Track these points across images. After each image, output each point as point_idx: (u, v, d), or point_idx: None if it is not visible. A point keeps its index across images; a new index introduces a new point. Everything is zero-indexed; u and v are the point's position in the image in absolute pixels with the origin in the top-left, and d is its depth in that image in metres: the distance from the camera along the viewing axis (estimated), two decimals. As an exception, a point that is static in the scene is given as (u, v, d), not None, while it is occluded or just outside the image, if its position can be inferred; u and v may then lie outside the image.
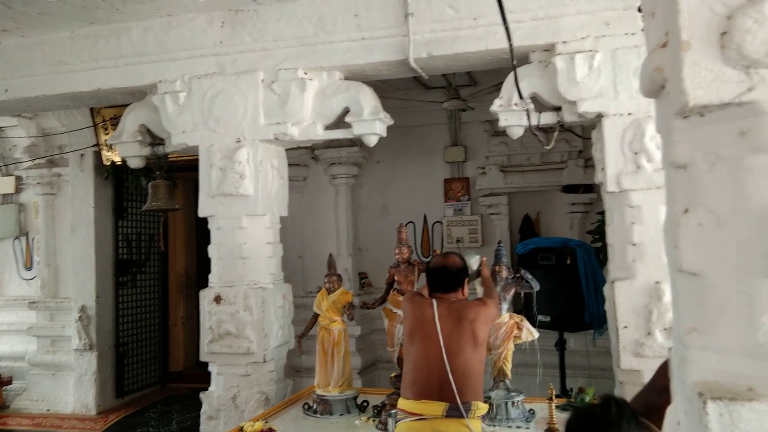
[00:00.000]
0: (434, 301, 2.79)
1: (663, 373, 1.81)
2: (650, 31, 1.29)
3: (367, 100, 4.02)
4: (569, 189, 6.05)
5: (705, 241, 1.12)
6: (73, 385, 6.88)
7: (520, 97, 3.25)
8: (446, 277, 2.87)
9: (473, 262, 3.16)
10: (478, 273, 3.14)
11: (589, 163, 6.04)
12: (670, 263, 1.26)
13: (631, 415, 1.73)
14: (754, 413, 1.04)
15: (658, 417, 1.85)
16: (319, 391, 3.66)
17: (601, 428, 1.72)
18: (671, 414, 1.29)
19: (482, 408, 2.69)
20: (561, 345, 4.66)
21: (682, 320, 1.19)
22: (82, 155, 6.78)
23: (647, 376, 3.41)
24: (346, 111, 4.08)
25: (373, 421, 3.43)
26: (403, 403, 2.71)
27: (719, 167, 1.10)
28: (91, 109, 6.50)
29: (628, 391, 3.52)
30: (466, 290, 2.92)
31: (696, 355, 1.14)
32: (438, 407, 2.60)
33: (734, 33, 1.03)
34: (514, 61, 2.67)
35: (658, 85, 1.20)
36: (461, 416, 2.56)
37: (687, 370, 1.15)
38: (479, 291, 3.18)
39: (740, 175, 1.07)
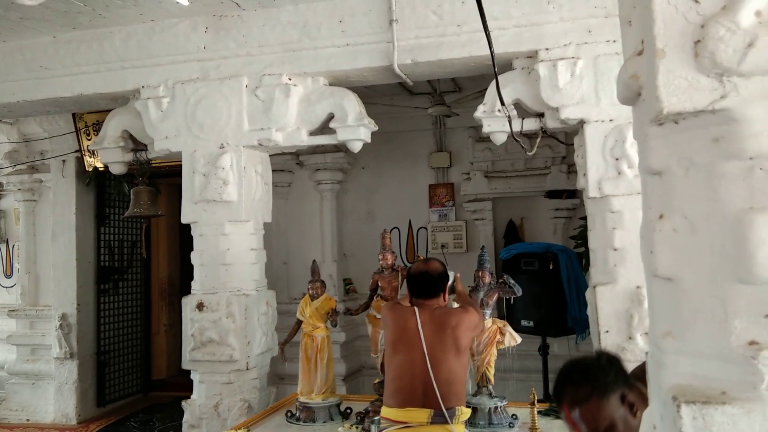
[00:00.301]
0: (416, 309, 2.80)
1: None
2: (627, 39, 1.31)
3: (352, 106, 4.03)
4: (553, 194, 6.09)
5: (679, 246, 1.14)
6: (53, 394, 6.77)
7: (502, 103, 3.27)
8: (427, 283, 2.87)
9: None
10: (453, 289, 3.12)
11: (572, 169, 6.08)
12: (645, 268, 1.28)
13: (620, 370, 1.77)
14: (726, 416, 1.06)
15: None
16: (302, 399, 3.65)
17: (589, 375, 1.76)
18: (647, 418, 1.30)
19: (466, 413, 2.70)
20: (544, 350, 4.68)
21: (657, 324, 1.20)
22: (63, 161, 6.71)
23: (629, 381, 3.46)
24: (331, 117, 4.08)
25: (357, 428, 3.42)
26: (386, 411, 2.71)
27: (693, 173, 1.11)
28: (74, 115, 6.44)
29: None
30: (447, 297, 2.92)
31: (671, 359, 1.15)
32: (423, 414, 2.61)
33: (708, 41, 1.05)
34: (495, 68, 2.68)
35: (635, 92, 1.22)
36: (446, 422, 2.57)
37: (662, 374, 1.16)
38: (454, 306, 3.18)
39: (713, 181, 1.08)
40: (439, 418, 2.58)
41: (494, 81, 3.75)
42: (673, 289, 1.15)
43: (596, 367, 1.77)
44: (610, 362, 1.78)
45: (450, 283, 3.08)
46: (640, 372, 1.77)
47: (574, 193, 6.09)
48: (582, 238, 5.38)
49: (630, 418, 1.70)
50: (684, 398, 1.06)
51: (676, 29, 1.08)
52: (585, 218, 5.47)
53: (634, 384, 1.76)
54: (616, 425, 1.69)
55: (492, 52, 2.46)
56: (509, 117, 3.43)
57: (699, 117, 1.08)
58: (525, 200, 6.40)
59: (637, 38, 1.21)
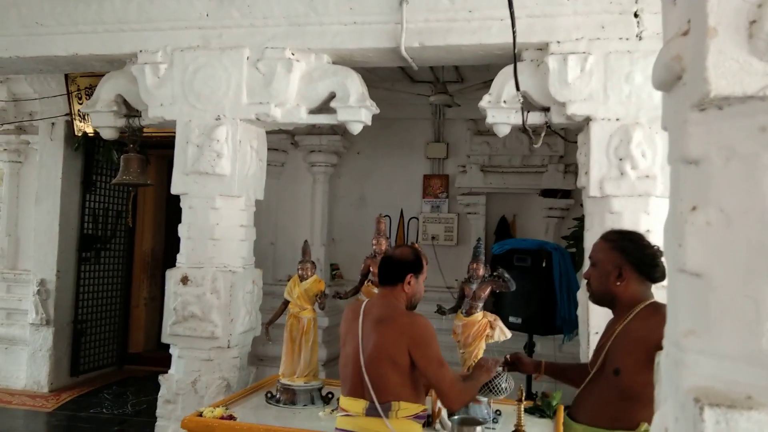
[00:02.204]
0: (365, 302, 2.76)
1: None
2: (670, 18, 1.23)
3: (355, 86, 3.93)
4: (547, 193, 6.05)
5: (712, 240, 1.07)
6: (26, 360, 6.65)
7: (517, 88, 3.19)
8: (386, 267, 2.72)
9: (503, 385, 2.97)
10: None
11: (569, 169, 6.05)
12: (670, 263, 1.21)
13: (649, 264, 2.15)
14: (752, 422, 0.99)
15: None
16: (283, 380, 3.57)
17: (630, 237, 2.32)
18: (658, 420, 1.24)
19: (406, 408, 2.56)
20: (530, 348, 4.64)
21: (679, 322, 1.14)
22: (53, 124, 6.56)
23: (616, 384, 3.42)
24: (332, 96, 3.99)
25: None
26: (340, 398, 2.76)
27: (734, 164, 1.04)
28: (66, 77, 6.29)
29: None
30: (413, 286, 2.72)
31: (692, 359, 1.09)
32: (359, 405, 2.60)
33: (764, 22, 0.97)
34: (515, 54, 2.61)
35: (675, 75, 1.15)
36: (379, 415, 2.52)
37: (682, 375, 1.10)
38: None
39: (757, 172, 1.01)
40: (373, 411, 2.54)
41: (503, 71, 3.74)
42: (701, 285, 1.08)
43: (637, 240, 2.23)
44: (652, 252, 2.19)
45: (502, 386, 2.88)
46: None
47: (569, 194, 6.05)
48: (575, 238, 5.35)
49: (612, 278, 2.20)
50: (707, 401, 1.00)
51: (730, 7, 1.01)
52: (578, 219, 5.45)
53: (640, 277, 2.18)
54: (602, 268, 2.24)
55: (514, 34, 2.39)
56: (523, 104, 3.36)
57: (746, 103, 1.01)
58: (519, 197, 6.35)
59: (683, 17, 1.13)
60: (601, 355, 2.16)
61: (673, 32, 1.18)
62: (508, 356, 2.71)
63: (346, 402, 2.67)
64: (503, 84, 3.70)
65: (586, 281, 2.29)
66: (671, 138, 1.25)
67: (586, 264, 3.61)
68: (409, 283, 2.69)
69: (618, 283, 2.17)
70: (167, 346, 4.20)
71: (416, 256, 2.77)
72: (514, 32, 2.46)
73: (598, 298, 2.30)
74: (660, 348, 1.28)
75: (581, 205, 4.23)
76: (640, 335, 1.96)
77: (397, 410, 2.54)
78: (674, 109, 1.21)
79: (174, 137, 4.15)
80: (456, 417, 2.83)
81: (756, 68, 0.99)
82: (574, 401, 2.25)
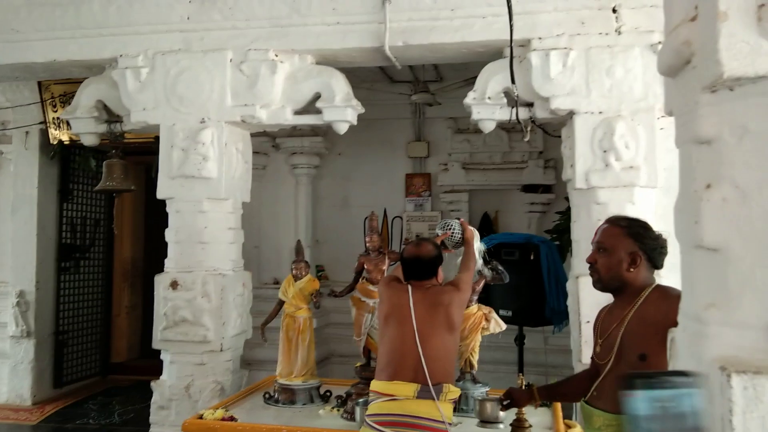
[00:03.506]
0: (409, 287, 2.80)
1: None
2: (673, 6, 1.28)
3: (340, 86, 3.95)
4: (529, 188, 6.14)
5: (729, 215, 1.12)
6: (7, 373, 6.48)
7: (513, 81, 3.25)
8: (420, 267, 2.87)
9: (456, 229, 3.12)
10: (462, 240, 3.10)
11: (549, 164, 6.15)
12: (684, 240, 1.26)
13: (656, 250, 2.21)
14: (776, 387, 1.05)
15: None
16: (281, 380, 3.57)
17: (639, 223, 2.26)
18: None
19: (454, 391, 2.70)
20: (521, 340, 4.70)
21: (699, 297, 1.19)
22: (27, 132, 6.42)
23: (607, 371, 3.49)
24: (317, 97, 4.00)
25: (338, 410, 3.37)
26: (375, 384, 2.73)
27: (747, 141, 1.10)
28: (39, 85, 6.17)
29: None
30: (441, 276, 2.92)
31: (714, 330, 1.14)
32: (410, 388, 2.62)
33: (774, 5, 1.03)
34: (512, 48, 2.67)
35: (684, 59, 1.20)
36: (432, 398, 2.57)
37: (704, 346, 1.15)
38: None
39: (769, 149, 1.07)
40: (425, 393, 2.60)
41: (486, 68, 3.80)
42: (719, 259, 1.13)
43: (648, 228, 2.23)
44: (662, 240, 2.20)
45: (460, 235, 3.07)
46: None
47: (550, 188, 6.15)
48: (558, 232, 5.43)
49: (625, 265, 2.16)
50: (734, 368, 1.05)
51: (740, -8, 1.06)
52: (561, 212, 5.53)
53: (648, 265, 2.18)
54: (614, 254, 2.18)
55: (511, 27, 2.44)
56: (517, 98, 3.42)
57: (758, 83, 1.07)
58: (501, 193, 6.43)
59: (690, 4, 1.18)
60: (616, 344, 2.14)
61: (680, 18, 1.23)
62: (502, 397, 2.70)
63: (389, 386, 2.66)
64: (487, 80, 3.76)
65: (589, 267, 2.28)
66: (679, 121, 1.30)
67: (577, 255, 3.71)
68: (439, 273, 2.91)
69: (630, 270, 2.15)
70: (151, 355, 4.16)
71: (439, 250, 2.94)
72: (511, 26, 2.51)
73: (605, 284, 2.25)
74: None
75: (566, 198, 4.31)
76: (657, 319, 1.97)
77: (447, 392, 2.63)
78: (682, 93, 1.26)
79: (152, 143, 4.13)
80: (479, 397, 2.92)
81: (766, 49, 1.05)
82: (592, 392, 2.23)
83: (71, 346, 6.93)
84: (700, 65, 1.14)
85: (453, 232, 3.11)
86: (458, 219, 3.19)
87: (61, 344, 6.76)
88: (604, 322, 2.30)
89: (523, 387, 2.89)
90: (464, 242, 3.08)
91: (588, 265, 2.28)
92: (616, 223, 2.26)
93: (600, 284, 2.27)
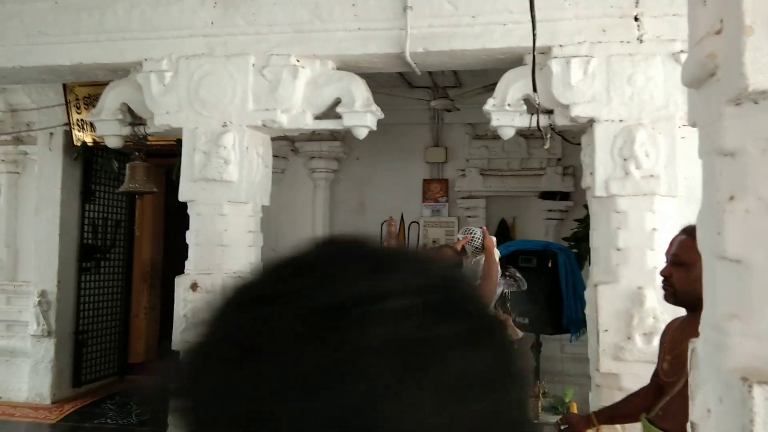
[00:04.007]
0: None
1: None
2: (698, 18, 1.29)
3: (360, 91, 3.98)
4: (547, 196, 6.13)
5: (751, 227, 1.12)
6: (28, 372, 6.60)
7: (534, 89, 3.26)
8: None
9: (477, 235, 3.15)
10: (483, 247, 3.12)
11: (567, 171, 6.13)
12: (707, 251, 1.26)
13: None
14: (797, 399, 1.05)
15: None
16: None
17: None
18: (699, 402, 1.29)
19: None
20: (537, 347, 4.69)
21: (720, 308, 1.19)
22: (51, 134, 6.54)
23: (625, 380, 3.47)
24: (337, 102, 4.03)
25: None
26: None
27: (771, 154, 1.11)
28: (64, 87, 6.28)
29: (605, 394, 3.56)
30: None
31: (736, 341, 1.14)
32: None
33: (799, 19, 1.03)
34: (534, 54, 2.68)
35: (708, 72, 1.20)
36: None
37: (725, 357, 1.15)
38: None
39: (794, 162, 1.07)
40: None
41: (506, 75, 3.80)
42: (741, 271, 1.13)
43: None
44: None
45: (480, 241, 3.09)
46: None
47: (568, 195, 6.13)
48: (576, 239, 5.42)
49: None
50: (755, 379, 1.05)
51: (765, 6, 1.07)
52: (579, 220, 5.52)
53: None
54: (692, 268, 1.94)
55: (534, 35, 2.45)
56: (538, 106, 3.42)
57: (782, 97, 1.07)
58: (518, 200, 6.42)
59: (715, 17, 1.19)
60: (689, 362, 2.04)
61: (705, 31, 1.24)
62: (559, 420, 2.61)
63: None
64: (507, 87, 3.77)
65: (663, 280, 2.14)
66: (702, 132, 1.31)
67: (596, 264, 3.69)
68: None
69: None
70: (168, 356, 4.19)
71: (459, 257, 3.00)
72: (534, 35, 2.51)
73: (680, 299, 2.12)
74: None
75: (584, 206, 4.30)
76: None
77: None
78: (706, 104, 1.26)
79: (173, 146, 4.18)
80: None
81: (792, 63, 1.05)
82: (657, 411, 2.13)
83: (90, 345, 7.03)
84: (725, 78, 1.15)
85: (473, 236, 3.14)
86: (481, 227, 3.21)
87: (80, 344, 6.86)
88: (674, 337, 2.17)
89: (540, 394, 2.90)
90: (483, 249, 3.09)
91: (662, 278, 2.16)
92: (695, 235, 2.16)
93: (673, 299, 2.15)
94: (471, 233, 3.07)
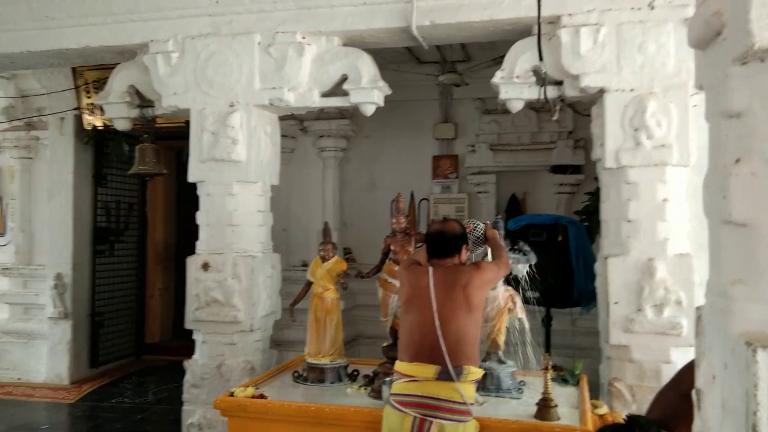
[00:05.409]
0: (430, 269, 2.81)
1: (689, 376, 1.76)
2: (705, -23, 1.25)
3: (366, 67, 3.95)
4: (558, 169, 6.07)
5: (757, 190, 1.10)
6: (45, 354, 6.73)
7: (540, 59, 3.21)
8: (443, 243, 2.88)
9: (480, 226, 3.15)
10: (485, 238, 3.13)
11: (578, 144, 6.07)
12: (712, 215, 1.24)
13: None
14: (803, 362, 1.03)
15: (682, 422, 1.88)
16: (310, 360, 3.63)
17: None
18: (704, 369, 1.28)
19: (475, 372, 2.69)
20: (548, 321, 4.69)
21: (726, 273, 1.17)
22: (62, 118, 6.58)
23: (635, 352, 3.47)
24: (344, 79, 4.00)
25: (365, 389, 3.41)
26: (398, 365, 2.76)
27: (778, 114, 1.08)
28: (74, 71, 6.30)
29: (615, 366, 3.56)
30: (464, 256, 2.92)
31: (741, 306, 1.12)
32: (429, 370, 2.64)
33: (807, -27, 1.00)
34: (540, 21, 2.62)
35: (714, 31, 1.17)
36: (452, 380, 2.58)
37: (730, 322, 1.14)
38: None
39: (801, 121, 1.05)
40: (445, 375, 2.61)
41: (514, 46, 3.74)
42: (747, 235, 1.11)
43: None
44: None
45: (481, 232, 3.09)
46: (663, 411, 1.80)
47: (580, 169, 6.07)
48: (587, 213, 5.37)
49: None
50: (760, 343, 1.04)
51: (771, -38, 1.04)
52: (590, 193, 5.47)
53: None
54: None
55: (539, 6, 2.40)
56: (545, 76, 3.38)
57: (789, 55, 1.04)
58: (529, 174, 6.38)
59: (721, -25, 1.16)
60: None
61: (710, -10, 1.21)
62: None
63: (411, 368, 2.69)
64: (515, 59, 3.71)
65: None
66: (709, 95, 1.28)
67: (606, 236, 3.66)
68: (462, 252, 2.89)
69: None
70: (184, 336, 4.25)
71: (464, 228, 2.97)
72: (539, 2, 2.46)
73: None
74: None
75: (595, 179, 4.26)
76: None
77: (467, 374, 2.64)
78: (712, 65, 1.24)
79: (182, 127, 4.19)
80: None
81: (799, 19, 1.02)
82: None
83: (107, 327, 7.13)
84: (731, 37, 1.12)
85: (476, 227, 3.14)
86: (485, 222, 3.21)
87: (97, 325, 6.97)
88: None
89: (549, 366, 2.90)
90: (486, 240, 3.10)
91: None
92: None
93: None
94: (474, 224, 3.08)
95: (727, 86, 1.14)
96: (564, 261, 4.43)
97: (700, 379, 1.29)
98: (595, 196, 5.03)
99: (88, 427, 5.63)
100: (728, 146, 1.16)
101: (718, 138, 1.20)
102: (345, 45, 4.07)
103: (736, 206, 1.13)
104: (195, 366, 4.14)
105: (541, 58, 3.28)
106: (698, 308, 1.39)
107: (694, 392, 1.32)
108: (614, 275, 3.52)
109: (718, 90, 1.19)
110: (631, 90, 3.48)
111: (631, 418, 1.77)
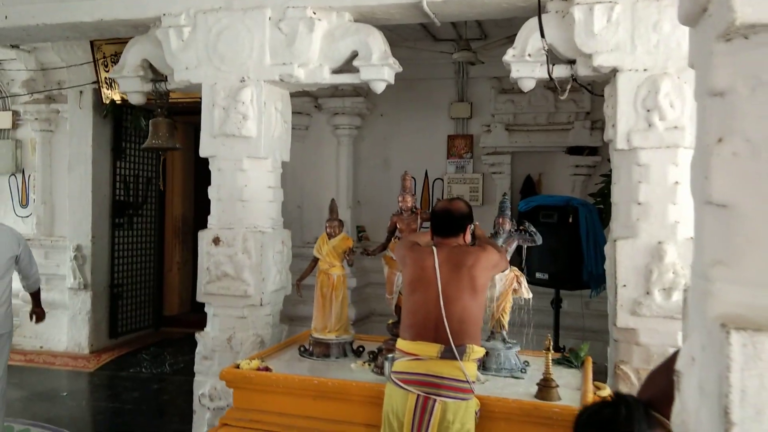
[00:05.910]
0: (434, 249, 2.81)
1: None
2: (695, -49, 1.22)
3: (377, 44, 3.92)
4: (574, 151, 6.00)
5: (738, 171, 1.08)
6: (66, 323, 6.91)
7: (542, 35, 3.15)
8: (449, 221, 2.88)
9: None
10: (474, 238, 3.09)
11: (596, 125, 5.98)
12: (696, 196, 1.22)
13: (643, 415, 1.67)
14: (777, 345, 1.02)
15: (670, 405, 1.84)
16: (315, 335, 3.67)
17: (611, 430, 1.68)
18: (685, 350, 1.27)
19: (477, 351, 2.71)
20: (557, 303, 4.67)
21: (706, 254, 1.16)
22: (81, 92, 6.66)
23: (643, 335, 3.44)
24: (354, 55, 3.98)
25: (369, 365, 3.44)
26: (401, 343, 2.77)
27: (760, 93, 1.05)
28: (92, 45, 6.36)
29: (622, 349, 3.55)
30: (468, 236, 2.90)
31: (719, 287, 1.11)
32: (433, 349, 2.65)
33: (792, -54, 0.97)
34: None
35: (701, 6, 1.14)
36: (455, 358, 2.59)
37: (709, 304, 1.12)
38: None
39: (784, 100, 1.02)
40: (448, 354, 2.62)
41: (527, 23, 3.67)
42: (727, 216, 1.09)
43: (617, 422, 1.68)
44: (630, 411, 1.67)
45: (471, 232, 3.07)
46: (652, 394, 1.74)
47: (596, 150, 5.99)
48: (602, 195, 5.32)
49: None
50: (734, 325, 1.02)
51: (757, -66, 1.00)
52: (605, 175, 5.40)
53: (658, 420, 1.67)
54: None
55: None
56: (549, 53, 3.31)
57: (773, 31, 1.01)
58: (545, 155, 6.31)
59: (709, -52, 1.13)
60: None
61: (700, -36, 1.17)
62: None
63: (414, 346, 2.70)
64: (527, 37, 3.65)
65: None
66: (697, 73, 1.26)
67: (616, 218, 3.62)
68: (467, 232, 2.90)
69: None
70: (201, 309, 4.32)
71: (470, 208, 2.96)
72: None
73: None
74: None
75: (608, 161, 4.20)
76: None
77: (470, 353, 2.65)
78: (700, 43, 1.21)
79: (198, 102, 4.20)
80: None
81: (784, -6, 0.99)
82: None
83: (125, 298, 7.28)
84: (716, 12, 1.09)
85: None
86: (475, 223, 3.16)
87: (116, 296, 7.12)
88: None
89: (551, 347, 2.90)
90: (475, 238, 3.07)
91: None
92: None
93: None
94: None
95: (711, 64, 1.11)
96: (574, 243, 4.40)
97: (680, 361, 1.28)
98: (609, 177, 4.97)
99: (107, 395, 5.79)
100: (711, 125, 1.13)
101: (703, 117, 1.18)
102: (356, 21, 4.04)
103: (716, 187, 1.11)
104: (206, 338, 4.22)
105: (542, 35, 3.21)
106: (685, 290, 1.38)
107: (674, 375, 1.31)
108: (623, 258, 3.48)
109: (704, 68, 1.16)
110: (645, 70, 3.41)
111: (619, 396, 1.77)
